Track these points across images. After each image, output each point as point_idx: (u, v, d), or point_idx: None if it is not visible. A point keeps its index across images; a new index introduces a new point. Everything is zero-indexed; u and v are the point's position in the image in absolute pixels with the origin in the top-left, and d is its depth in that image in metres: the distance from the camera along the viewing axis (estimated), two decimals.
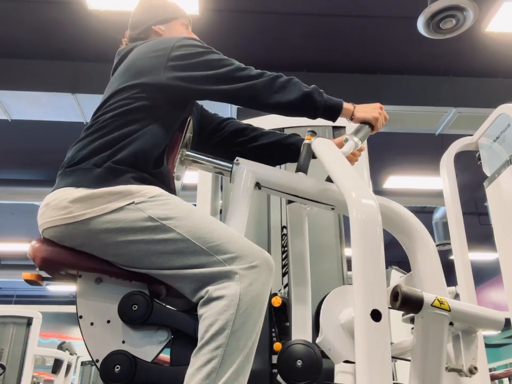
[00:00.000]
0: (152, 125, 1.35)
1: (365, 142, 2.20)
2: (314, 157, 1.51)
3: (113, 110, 1.35)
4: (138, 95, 1.36)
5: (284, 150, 1.66)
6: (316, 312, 1.05)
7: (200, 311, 1.12)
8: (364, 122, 1.44)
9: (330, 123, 2.22)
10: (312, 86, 1.39)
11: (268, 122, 2.29)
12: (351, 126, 2.19)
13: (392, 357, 1.53)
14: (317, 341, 1.03)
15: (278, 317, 1.82)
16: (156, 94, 1.36)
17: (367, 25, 4.56)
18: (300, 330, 1.46)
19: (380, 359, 0.89)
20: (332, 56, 4.93)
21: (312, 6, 4.35)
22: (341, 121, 2.25)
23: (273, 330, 1.77)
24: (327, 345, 1.02)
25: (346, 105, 1.42)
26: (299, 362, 1.30)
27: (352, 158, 1.65)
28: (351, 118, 1.44)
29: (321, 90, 1.40)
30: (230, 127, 1.70)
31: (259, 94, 1.36)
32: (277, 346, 1.71)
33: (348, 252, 2.12)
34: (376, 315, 0.90)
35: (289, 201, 1.54)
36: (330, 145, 1.37)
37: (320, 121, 2.24)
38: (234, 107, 4.87)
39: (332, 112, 1.41)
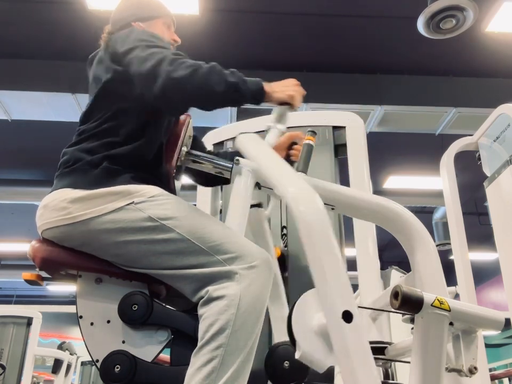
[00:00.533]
0: (138, 124, 1.34)
1: (364, 141, 2.20)
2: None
3: (100, 116, 1.34)
4: (112, 98, 1.35)
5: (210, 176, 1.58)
6: (287, 322, 1.04)
7: (200, 311, 1.12)
8: (281, 102, 1.35)
9: (330, 123, 2.24)
10: (233, 72, 1.28)
11: (268, 122, 2.29)
12: (351, 126, 2.20)
13: (391, 360, 1.53)
14: (296, 356, 1.01)
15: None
16: (120, 94, 1.34)
17: (367, 25, 4.55)
18: (281, 331, 1.45)
19: (361, 358, 0.89)
20: (332, 56, 4.93)
21: (312, 6, 4.35)
22: (340, 121, 2.26)
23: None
24: (308, 358, 1.00)
25: (265, 87, 1.31)
26: (286, 364, 1.29)
27: (295, 154, 1.60)
28: (267, 99, 1.33)
29: (241, 75, 1.30)
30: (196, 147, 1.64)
31: (181, 89, 1.23)
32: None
33: (347, 252, 2.13)
34: (347, 316, 0.89)
35: (251, 206, 1.51)
36: (254, 138, 1.30)
37: (320, 121, 2.24)
38: (234, 107, 4.87)
39: (257, 98, 1.31)
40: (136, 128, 1.34)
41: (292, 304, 1.08)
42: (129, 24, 1.56)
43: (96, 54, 1.48)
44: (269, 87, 1.32)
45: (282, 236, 2.09)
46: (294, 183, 1.05)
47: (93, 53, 1.51)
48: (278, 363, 1.30)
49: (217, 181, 1.63)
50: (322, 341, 1.04)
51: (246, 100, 1.29)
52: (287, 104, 1.35)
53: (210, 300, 1.11)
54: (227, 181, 1.50)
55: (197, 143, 1.67)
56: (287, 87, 1.35)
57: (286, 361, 1.29)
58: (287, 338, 1.35)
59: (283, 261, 1.98)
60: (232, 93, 1.26)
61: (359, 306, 0.95)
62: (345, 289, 0.93)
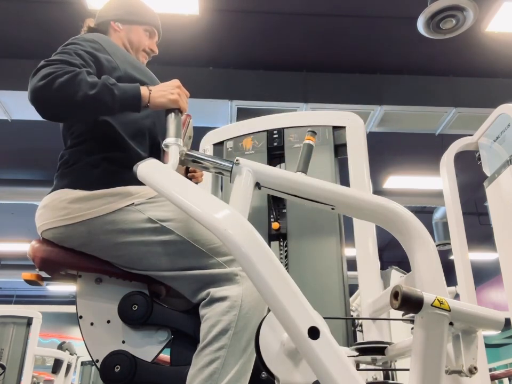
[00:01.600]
0: (123, 126, 1.34)
1: (365, 141, 2.20)
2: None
3: (88, 122, 1.34)
4: None
5: None
6: (256, 351, 1.01)
7: (202, 311, 1.12)
8: (166, 109, 1.24)
9: (330, 123, 2.24)
10: (99, 82, 1.20)
11: (268, 122, 2.30)
12: (351, 126, 2.20)
13: (390, 369, 1.53)
14: None
15: (276, 203, 2.07)
16: None
17: (367, 25, 4.55)
18: None
19: (340, 370, 0.86)
20: (332, 56, 4.93)
21: (312, 6, 4.35)
22: (341, 121, 2.26)
23: (271, 215, 2.02)
24: None
25: (143, 92, 1.23)
26: (263, 375, 1.26)
27: (198, 175, 1.53)
28: (147, 105, 1.25)
29: (111, 82, 1.21)
30: None
31: (37, 99, 1.17)
32: (275, 225, 1.99)
33: (348, 252, 2.13)
34: (313, 333, 0.86)
35: None
36: (155, 166, 1.15)
37: (320, 121, 2.24)
38: (234, 107, 4.87)
39: (132, 105, 1.23)
40: (122, 133, 1.33)
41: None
42: (108, 23, 1.58)
43: None
44: (148, 91, 1.24)
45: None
46: (217, 209, 0.97)
47: None
48: (255, 374, 1.27)
49: None
50: (296, 363, 1.01)
51: (114, 109, 1.22)
52: (175, 109, 1.25)
53: (213, 300, 1.11)
54: None
55: None
56: (169, 91, 1.25)
57: (263, 373, 1.26)
58: None
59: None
60: (93, 104, 1.18)
61: (358, 318, 0.93)
62: (302, 306, 0.88)
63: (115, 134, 1.32)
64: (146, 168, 1.13)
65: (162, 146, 1.22)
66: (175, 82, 1.28)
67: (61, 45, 1.34)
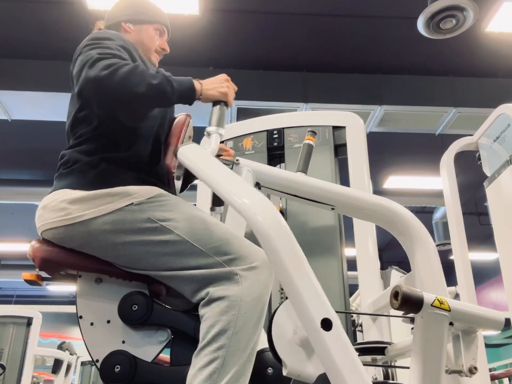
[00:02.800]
0: (128, 125, 1.33)
1: (364, 142, 2.20)
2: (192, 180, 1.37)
3: (91, 120, 1.33)
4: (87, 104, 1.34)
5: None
6: (267, 335, 1.02)
7: (201, 311, 1.12)
8: (215, 101, 1.30)
9: (330, 123, 2.24)
10: (159, 73, 1.25)
11: (268, 122, 2.30)
12: (351, 126, 2.20)
13: (391, 366, 1.53)
14: (284, 373, 1.00)
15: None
16: None
17: (367, 25, 4.55)
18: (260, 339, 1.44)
19: (348, 364, 0.88)
20: (332, 56, 4.93)
21: (312, 6, 4.35)
22: (341, 121, 2.26)
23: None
24: (295, 373, 0.98)
25: (196, 85, 1.28)
26: (270, 370, 1.28)
27: (228, 153, 1.58)
28: (199, 97, 1.29)
29: (168, 75, 1.25)
30: None
31: (99, 90, 1.19)
32: None
33: (348, 252, 2.13)
34: (326, 324, 0.88)
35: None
36: (196, 150, 1.22)
37: (320, 121, 2.25)
38: (234, 107, 4.87)
39: (187, 98, 1.28)
40: (127, 131, 1.33)
41: (271, 315, 1.06)
42: (119, 24, 1.57)
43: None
44: (200, 84, 1.29)
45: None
46: (248, 195, 1.00)
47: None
48: (261, 370, 1.28)
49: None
50: (306, 353, 1.02)
51: (172, 100, 1.26)
52: (221, 102, 1.30)
53: (212, 300, 1.11)
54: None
55: None
56: (220, 84, 1.30)
57: (270, 368, 1.27)
58: (266, 345, 1.34)
59: (282, 215, 1.99)
60: (154, 94, 1.22)
61: (358, 313, 0.94)
62: (319, 297, 0.91)
63: (118, 134, 1.32)
64: (187, 150, 1.21)
65: (205, 133, 1.28)
66: (225, 76, 1.33)
67: (90, 40, 1.33)
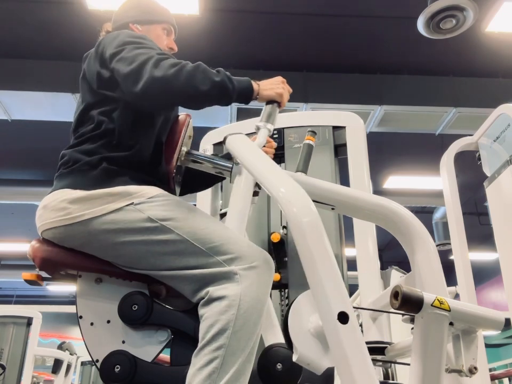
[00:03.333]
0: (133, 125, 1.34)
1: (364, 142, 2.20)
2: (236, 162, 1.41)
3: (95, 118, 1.34)
4: (104, 100, 1.35)
5: (197, 180, 1.62)
6: (283, 324, 1.03)
7: (201, 311, 1.12)
8: (269, 100, 1.35)
9: (330, 123, 2.24)
10: (220, 71, 1.29)
11: (256, 122, 2.29)
12: (351, 126, 2.20)
13: (391, 361, 1.53)
14: (294, 359, 1.01)
15: (277, 252, 1.95)
16: (110, 96, 1.35)
17: (367, 25, 4.55)
18: (269, 332, 1.45)
19: (359, 359, 0.88)
20: (332, 56, 4.93)
21: (312, 6, 4.35)
22: (341, 121, 2.26)
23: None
24: (305, 360, 1.00)
25: (253, 85, 1.33)
26: (279, 366, 1.29)
27: (269, 147, 1.61)
28: (256, 97, 1.34)
29: (228, 74, 1.30)
30: None
31: (164, 89, 1.23)
32: (276, 277, 1.82)
33: (348, 252, 2.13)
34: (343, 317, 0.89)
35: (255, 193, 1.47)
36: (244, 140, 1.28)
37: (320, 121, 2.25)
38: (234, 107, 4.87)
39: (245, 97, 1.32)
40: (131, 130, 1.33)
41: (289, 304, 1.08)
42: (126, 25, 1.56)
43: (90, 52, 1.48)
44: (257, 84, 1.33)
45: (282, 227, 2.09)
46: (285, 184, 1.03)
47: (88, 52, 1.51)
48: (271, 365, 1.29)
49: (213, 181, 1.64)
50: (319, 343, 1.03)
51: (232, 98, 1.29)
52: (275, 102, 1.35)
53: (211, 300, 1.11)
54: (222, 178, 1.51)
55: None
56: (277, 85, 1.35)
57: (279, 363, 1.28)
58: (277, 341, 1.35)
59: (282, 245, 1.98)
60: (218, 92, 1.25)
61: (357, 307, 0.95)
62: (340, 290, 0.92)
63: (119, 134, 1.32)
64: (235, 140, 1.27)
65: (255, 127, 1.34)
66: (281, 78, 1.38)
67: (122, 41, 1.32)
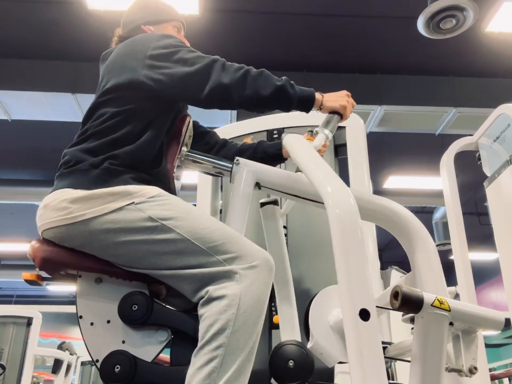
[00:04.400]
0: (143, 125, 1.34)
1: (364, 142, 2.20)
2: (284, 159, 1.49)
3: (105, 113, 1.34)
4: (125, 97, 1.35)
5: (257, 159, 1.64)
6: (304, 314, 1.04)
7: (201, 311, 1.12)
8: (333, 111, 1.42)
9: None
10: (283, 78, 1.36)
11: (268, 122, 2.30)
12: (351, 126, 2.20)
13: (392, 358, 1.53)
14: (308, 346, 1.02)
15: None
16: (138, 94, 1.35)
17: (367, 25, 4.56)
18: (288, 330, 1.46)
19: (373, 358, 0.89)
20: (332, 56, 4.93)
21: (312, 6, 4.35)
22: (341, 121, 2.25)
23: (272, 304, 1.81)
24: (319, 349, 1.01)
25: (317, 95, 1.40)
26: (291, 363, 1.29)
27: (321, 150, 1.62)
28: (320, 108, 1.41)
29: (292, 82, 1.37)
30: (211, 140, 1.73)
31: (230, 93, 1.30)
32: (276, 319, 1.78)
33: None
34: (364, 314, 0.90)
35: (263, 204, 1.57)
36: (301, 140, 1.35)
37: (320, 121, 2.24)
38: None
39: (305, 104, 1.39)
40: (139, 129, 1.34)
41: (310, 298, 1.08)
42: (138, 27, 1.58)
43: (111, 51, 1.48)
44: (321, 95, 1.40)
45: None
46: (333, 184, 1.07)
47: (108, 50, 1.52)
48: (283, 362, 1.30)
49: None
50: (335, 336, 1.05)
51: (293, 103, 1.35)
52: (338, 113, 1.41)
53: (211, 299, 1.11)
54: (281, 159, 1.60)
55: (210, 136, 1.71)
56: (341, 98, 1.42)
57: (291, 360, 1.29)
58: (293, 338, 1.36)
59: None
60: (278, 95, 1.32)
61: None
62: (366, 288, 0.93)
63: (122, 134, 1.32)
64: (293, 139, 1.34)
65: (314, 130, 1.42)
66: (346, 92, 1.46)
67: (173, 44, 1.37)
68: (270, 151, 1.68)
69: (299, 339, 1.41)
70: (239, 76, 1.30)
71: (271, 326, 1.88)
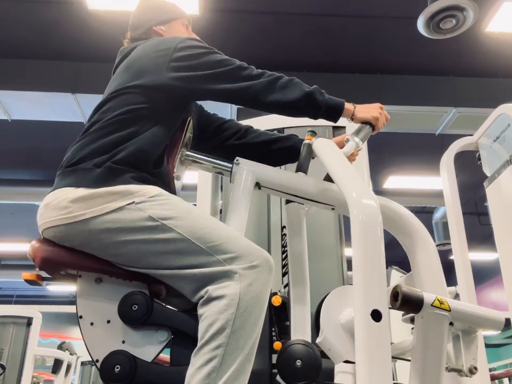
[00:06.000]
0: (152, 125, 1.34)
1: (364, 143, 2.21)
2: (313, 156, 1.50)
3: (113, 111, 1.34)
4: (139, 96, 1.35)
5: (283, 152, 1.66)
6: (316, 312, 1.05)
7: (200, 310, 1.12)
8: (365, 122, 1.43)
9: (330, 123, 2.24)
10: (313, 86, 1.39)
11: (268, 122, 2.30)
12: (351, 126, 2.20)
13: (392, 357, 1.53)
14: (317, 340, 1.02)
15: (278, 316, 1.84)
16: (157, 95, 1.36)
17: (367, 25, 4.56)
18: (299, 330, 1.46)
19: (381, 359, 0.89)
20: (332, 56, 4.93)
21: (311, 6, 4.35)
22: (341, 121, 2.25)
23: (273, 329, 1.78)
24: (327, 345, 1.02)
25: (347, 105, 1.42)
26: (298, 362, 1.30)
27: (351, 158, 1.63)
28: (352, 118, 1.43)
29: (322, 90, 1.40)
30: (231, 128, 1.71)
31: (260, 94, 1.36)
32: (277, 345, 1.72)
33: (348, 252, 2.12)
34: (376, 315, 0.90)
35: (288, 201, 1.54)
36: (331, 145, 1.37)
37: (320, 121, 2.23)
38: (234, 107, 4.87)
39: (333, 113, 1.41)
40: (147, 128, 1.33)
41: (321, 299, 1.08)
42: (150, 29, 1.59)
43: (133, 48, 1.48)
44: (353, 106, 1.43)
45: (282, 236, 2.09)
46: (358, 189, 1.08)
47: (125, 47, 1.53)
48: (290, 361, 1.30)
49: (284, 159, 1.70)
50: (345, 335, 1.05)
51: (321, 110, 1.39)
52: (370, 125, 1.43)
53: (210, 299, 1.11)
54: (294, 159, 1.58)
55: (251, 132, 1.73)
56: (374, 110, 1.44)
57: (299, 360, 1.29)
58: (303, 337, 1.36)
59: (284, 309, 1.82)
60: (307, 102, 1.36)
61: None
62: (380, 290, 0.94)
63: (125, 133, 1.32)
64: (322, 143, 1.39)
65: (345, 139, 1.44)
66: (379, 104, 1.47)
67: (196, 53, 1.40)
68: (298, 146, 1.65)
69: (309, 340, 1.41)
70: (270, 79, 1.37)
71: (271, 351, 1.86)
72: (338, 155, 1.30)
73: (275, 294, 1.77)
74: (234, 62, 1.39)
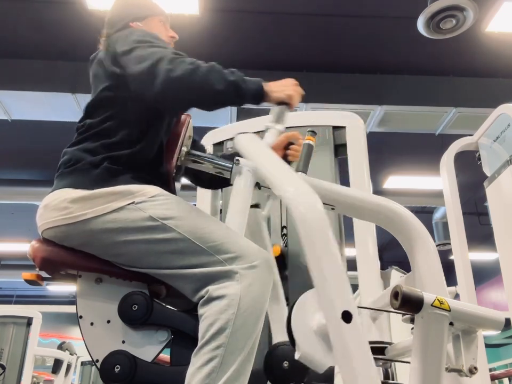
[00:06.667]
0: (143, 125, 1.34)
1: (362, 141, 2.20)
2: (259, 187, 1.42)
3: (103, 113, 1.34)
4: (112, 94, 1.35)
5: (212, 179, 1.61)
6: (287, 319, 1.04)
7: (201, 310, 1.12)
8: (279, 102, 1.34)
9: (330, 123, 2.24)
10: (233, 71, 1.28)
11: (266, 122, 2.29)
12: (351, 126, 2.20)
13: (391, 359, 1.53)
14: (296, 357, 1.01)
15: (278, 266, 1.87)
16: (123, 91, 1.34)
17: (367, 25, 4.56)
18: (279, 331, 1.45)
19: (361, 358, 0.89)
20: (332, 56, 4.93)
21: (311, 6, 4.35)
22: (341, 121, 2.26)
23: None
24: (307, 358, 1.00)
25: (265, 87, 1.31)
26: (285, 364, 1.29)
27: (293, 154, 1.59)
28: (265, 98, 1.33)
29: (240, 73, 1.29)
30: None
31: (183, 89, 1.23)
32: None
33: (348, 252, 2.12)
34: (346, 316, 0.89)
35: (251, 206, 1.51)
36: (252, 138, 1.30)
37: (320, 121, 2.24)
38: (234, 107, 4.87)
39: (256, 98, 1.30)
40: (137, 129, 1.34)
41: (291, 303, 1.08)
42: (127, 25, 1.55)
43: (96, 54, 1.48)
44: (268, 86, 1.31)
45: (282, 235, 2.09)
46: (293, 183, 1.04)
47: (94, 54, 1.51)
48: (278, 363, 1.29)
49: (218, 183, 1.64)
50: (321, 341, 1.04)
51: (245, 99, 1.29)
52: (285, 103, 1.34)
53: (211, 299, 1.11)
54: (227, 183, 1.49)
55: (196, 145, 1.66)
56: (286, 87, 1.34)
57: (286, 362, 1.29)
58: (286, 339, 1.35)
59: (283, 259, 1.98)
60: (232, 92, 1.25)
61: (359, 307, 0.95)
62: (344, 289, 0.93)
63: (125, 132, 1.32)
64: (243, 138, 1.31)
65: (264, 126, 1.37)
66: (293, 80, 1.37)
67: (136, 40, 1.32)
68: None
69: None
70: (188, 71, 1.21)
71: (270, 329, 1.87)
72: (261, 148, 1.23)
73: (273, 245, 1.80)
74: (158, 56, 1.24)
